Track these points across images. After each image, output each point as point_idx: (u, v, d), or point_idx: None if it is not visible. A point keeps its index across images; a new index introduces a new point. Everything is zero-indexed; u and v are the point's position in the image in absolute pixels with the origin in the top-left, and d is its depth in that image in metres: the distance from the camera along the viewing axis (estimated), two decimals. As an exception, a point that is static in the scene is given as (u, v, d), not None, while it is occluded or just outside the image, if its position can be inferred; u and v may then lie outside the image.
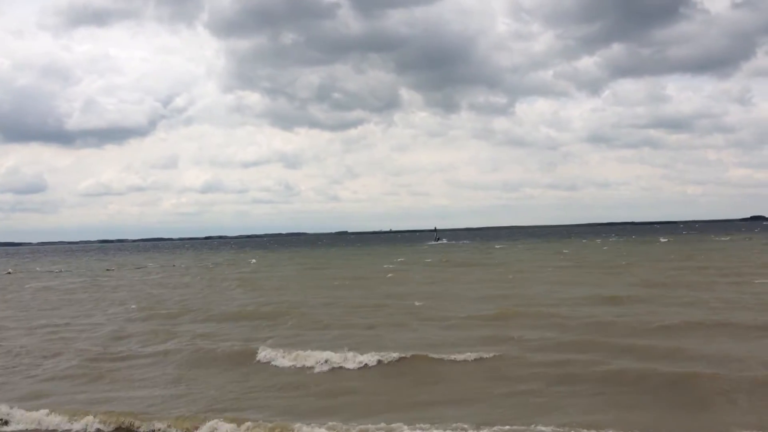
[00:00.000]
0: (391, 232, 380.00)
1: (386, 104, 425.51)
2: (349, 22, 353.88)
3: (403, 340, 19.20)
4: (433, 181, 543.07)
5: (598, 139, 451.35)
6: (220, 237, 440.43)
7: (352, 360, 16.66)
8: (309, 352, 17.33)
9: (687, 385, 13.35)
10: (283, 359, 17.26)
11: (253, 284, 42.34)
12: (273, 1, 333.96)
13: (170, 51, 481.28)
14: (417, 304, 27.50)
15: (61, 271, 70.96)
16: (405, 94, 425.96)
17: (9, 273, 71.53)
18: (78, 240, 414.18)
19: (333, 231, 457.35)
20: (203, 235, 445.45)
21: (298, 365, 16.71)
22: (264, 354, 17.82)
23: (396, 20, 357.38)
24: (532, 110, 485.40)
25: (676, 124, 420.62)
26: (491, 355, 16.56)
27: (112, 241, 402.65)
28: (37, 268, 79.53)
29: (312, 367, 16.45)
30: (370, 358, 16.60)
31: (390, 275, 45.38)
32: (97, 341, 21.53)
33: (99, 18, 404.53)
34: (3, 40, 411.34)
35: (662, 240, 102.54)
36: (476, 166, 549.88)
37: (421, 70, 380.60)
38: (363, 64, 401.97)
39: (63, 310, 31.20)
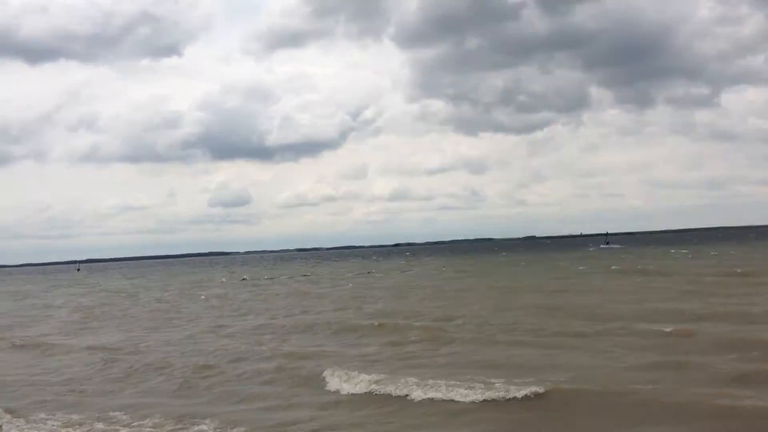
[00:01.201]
0: (581, 236, 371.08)
1: (574, 104, 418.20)
2: (534, 21, 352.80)
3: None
4: (626, 181, 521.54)
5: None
6: (408, 244, 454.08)
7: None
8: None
9: None
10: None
11: (440, 293, 47.08)
12: (456, 8, 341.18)
13: (358, 66, 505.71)
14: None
15: (292, 276, 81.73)
16: (594, 92, 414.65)
17: (244, 279, 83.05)
18: (278, 249, 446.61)
19: (520, 236, 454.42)
20: (392, 242, 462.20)
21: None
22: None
23: (584, 15, 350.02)
24: (740, 100, 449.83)
25: None
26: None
27: (308, 250, 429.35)
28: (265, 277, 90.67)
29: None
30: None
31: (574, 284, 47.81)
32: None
33: (295, 40, 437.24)
34: (213, 67, 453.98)
35: None
36: (675, 164, 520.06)
37: (610, 65, 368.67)
38: (549, 63, 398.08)
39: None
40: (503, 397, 15.62)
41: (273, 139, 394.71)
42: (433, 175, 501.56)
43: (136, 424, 15.62)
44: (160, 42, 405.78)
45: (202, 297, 55.19)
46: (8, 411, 17.25)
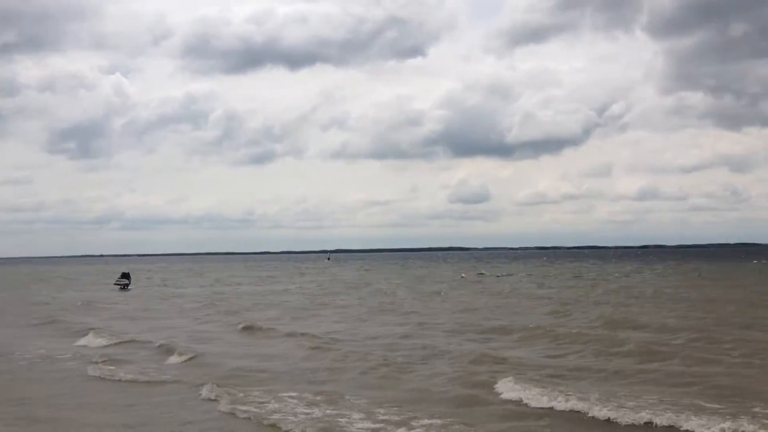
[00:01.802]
0: None
1: None
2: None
3: None
4: None
5: None
6: (657, 246, 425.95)
7: None
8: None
9: None
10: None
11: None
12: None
13: (605, 59, 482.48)
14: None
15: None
16: None
17: (482, 274, 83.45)
18: (517, 246, 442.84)
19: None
20: (638, 244, 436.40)
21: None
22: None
23: None
24: None
25: None
26: None
27: (547, 248, 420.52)
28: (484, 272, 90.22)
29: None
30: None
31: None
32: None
33: (537, 35, 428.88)
34: (455, 66, 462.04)
35: None
36: None
37: None
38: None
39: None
40: None
41: (513, 136, 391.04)
42: (687, 173, 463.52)
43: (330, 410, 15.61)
44: (406, 44, 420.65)
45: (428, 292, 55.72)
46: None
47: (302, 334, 28.83)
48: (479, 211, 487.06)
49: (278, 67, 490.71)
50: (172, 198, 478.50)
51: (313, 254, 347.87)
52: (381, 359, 22.56)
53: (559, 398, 16.26)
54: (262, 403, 17.07)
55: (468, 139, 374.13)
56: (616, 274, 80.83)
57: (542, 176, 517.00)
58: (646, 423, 14.32)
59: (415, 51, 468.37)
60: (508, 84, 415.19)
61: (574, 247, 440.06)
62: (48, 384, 20.33)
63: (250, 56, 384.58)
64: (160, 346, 26.30)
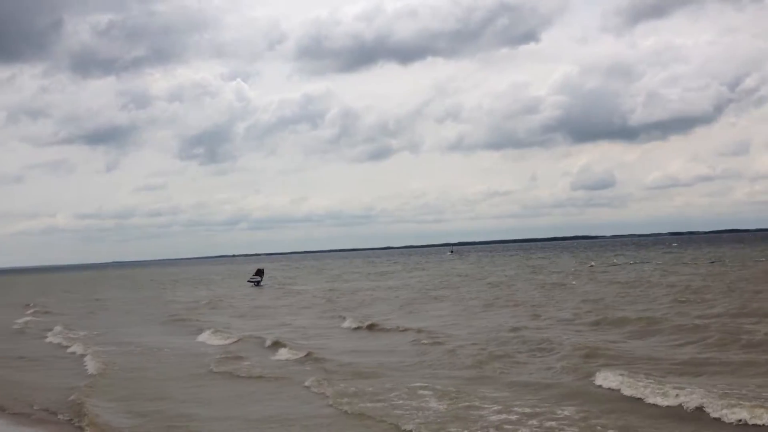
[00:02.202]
0: None
1: None
2: None
3: None
4: None
5: None
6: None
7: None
8: None
9: None
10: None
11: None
12: None
13: (734, 30, 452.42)
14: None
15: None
16: None
17: (591, 266, 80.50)
18: (648, 233, 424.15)
19: None
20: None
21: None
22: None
23: None
24: None
25: None
26: None
27: (682, 234, 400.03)
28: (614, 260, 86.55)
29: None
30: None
31: None
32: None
33: (659, 10, 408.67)
34: (571, 49, 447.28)
35: None
36: None
37: None
38: None
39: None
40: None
41: (637, 117, 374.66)
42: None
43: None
44: (518, 30, 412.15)
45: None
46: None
47: (416, 330, 28.60)
48: (604, 197, 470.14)
49: (390, 63, 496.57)
50: (294, 197, 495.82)
51: (436, 248, 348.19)
52: (492, 352, 22.16)
53: (682, 395, 15.05)
54: (379, 397, 16.99)
55: (588, 124, 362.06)
56: (756, 259, 75.32)
57: (672, 158, 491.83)
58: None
59: (528, 37, 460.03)
60: (630, 63, 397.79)
61: (711, 232, 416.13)
62: (167, 380, 21.16)
63: (362, 54, 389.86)
64: (275, 342, 26.84)
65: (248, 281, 76.30)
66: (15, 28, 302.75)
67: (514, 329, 27.30)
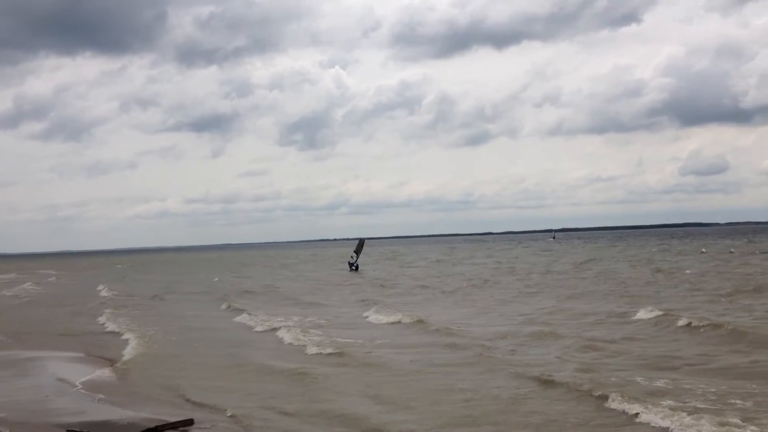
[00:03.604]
0: None
1: None
2: None
3: None
4: None
5: None
6: None
7: None
8: None
9: None
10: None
11: None
12: None
13: None
14: None
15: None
16: None
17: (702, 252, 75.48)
18: (766, 220, 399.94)
19: None
20: None
21: None
22: None
23: None
24: None
25: None
26: None
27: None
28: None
29: None
30: None
31: None
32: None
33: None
34: (676, 29, 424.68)
35: None
36: None
37: None
38: None
39: None
40: None
41: (751, 99, 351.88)
42: None
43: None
44: (618, 12, 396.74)
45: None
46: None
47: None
48: (717, 183, 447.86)
49: (485, 48, 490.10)
50: (393, 182, 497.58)
51: (538, 234, 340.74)
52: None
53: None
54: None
55: (697, 107, 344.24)
56: None
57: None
58: None
59: (629, 18, 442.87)
60: (740, 43, 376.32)
61: None
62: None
63: (457, 39, 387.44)
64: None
65: (349, 263, 74.26)
66: (123, 21, 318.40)
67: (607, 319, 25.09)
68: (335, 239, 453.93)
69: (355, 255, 72.66)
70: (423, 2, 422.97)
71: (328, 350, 21.30)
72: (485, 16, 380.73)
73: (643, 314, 25.65)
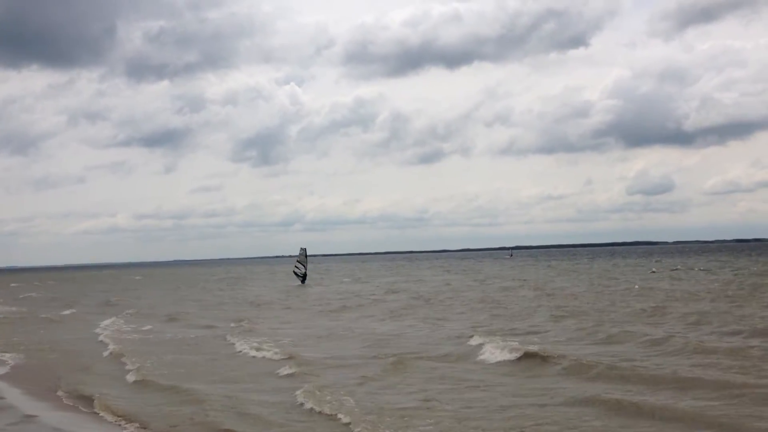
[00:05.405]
0: None
1: None
2: None
3: None
4: None
5: None
6: None
7: None
8: None
9: None
10: None
11: None
12: None
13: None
14: None
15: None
16: None
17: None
18: (711, 239, 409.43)
19: None
20: None
21: None
22: None
23: None
24: None
25: None
26: None
27: (748, 241, 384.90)
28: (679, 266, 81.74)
29: None
30: None
31: None
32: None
33: (708, 14, 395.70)
34: (621, 53, 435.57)
35: None
36: None
37: None
38: None
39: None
40: None
41: (692, 122, 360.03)
42: None
43: None
44: (565, 35, 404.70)
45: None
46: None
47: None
48: (663, 202, 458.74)
49: (437, 67, 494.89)
50: (347, 199, 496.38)
51: (493, 251, 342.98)
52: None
53: None
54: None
55: (642, 128, 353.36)
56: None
57: (731, 164, 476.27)
58: None
59: (577, 41, 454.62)
60: (683, 67, 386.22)
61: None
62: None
63: (409, 58, 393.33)
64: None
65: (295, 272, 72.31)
66: (70, 33, 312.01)
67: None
68: (290, 255, 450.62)
69: (301, 265, 71.64)
70: (376, 21, 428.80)
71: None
72: (437, 36, 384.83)
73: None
